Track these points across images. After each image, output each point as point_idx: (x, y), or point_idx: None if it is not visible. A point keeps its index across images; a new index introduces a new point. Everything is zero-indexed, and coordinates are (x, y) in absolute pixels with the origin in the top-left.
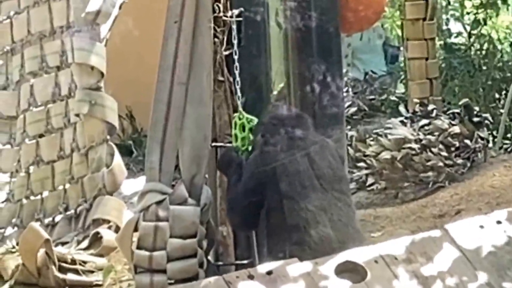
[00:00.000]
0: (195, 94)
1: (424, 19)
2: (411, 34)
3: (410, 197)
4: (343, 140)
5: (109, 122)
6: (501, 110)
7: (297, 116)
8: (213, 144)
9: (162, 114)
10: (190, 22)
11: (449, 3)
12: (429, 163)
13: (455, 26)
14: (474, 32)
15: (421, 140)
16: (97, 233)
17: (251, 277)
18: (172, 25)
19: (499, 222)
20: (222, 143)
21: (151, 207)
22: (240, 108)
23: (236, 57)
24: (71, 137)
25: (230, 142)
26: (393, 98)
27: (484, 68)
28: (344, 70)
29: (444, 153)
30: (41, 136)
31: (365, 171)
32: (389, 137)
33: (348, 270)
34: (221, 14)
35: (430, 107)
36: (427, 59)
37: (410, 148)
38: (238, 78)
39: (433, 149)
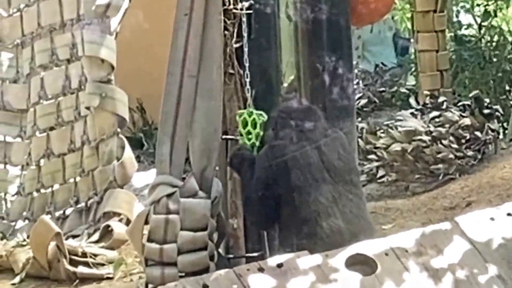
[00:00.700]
0: (205, 87)
1: (435, 11)
2: (421, 26)
3: (420, 189)
4: (354, 132)
5: (120, 115)
6: None
7: (307, 109)
8: (224, 136)
9: (172, 107)
10: (200, 14)
11: None
12: (439, 155)
13: (465, 18)
14: (485, 23)
15: (431, 132)
16: (108, 226)
17: (261, 269)
18: (182, 17)
19: (509, 214)
20: (232, 135)
21: (162, 200)
22: (251, 103)
23: (246, 50)
24: (82, 130)
25: (241, 135)
26: (403, 90)
27: (495, 60)
28: (354, 62)
29: (455, 145)
30: (51, 129)
31: (375, 163)
32: (400, 129)
33: (359, 262)
34: (231, 6)
35: (441, 99)
36: (437, 51)
37: (420, 140)
38: (248, 71)
39: (443, 141)
